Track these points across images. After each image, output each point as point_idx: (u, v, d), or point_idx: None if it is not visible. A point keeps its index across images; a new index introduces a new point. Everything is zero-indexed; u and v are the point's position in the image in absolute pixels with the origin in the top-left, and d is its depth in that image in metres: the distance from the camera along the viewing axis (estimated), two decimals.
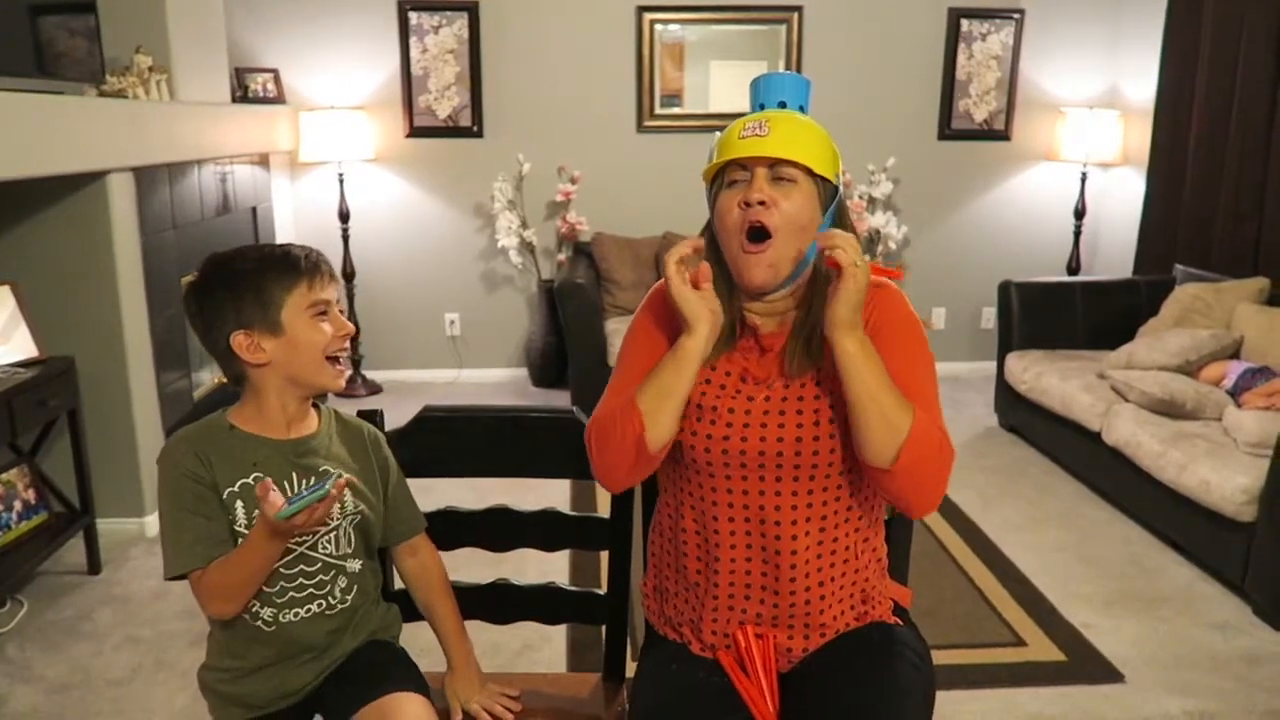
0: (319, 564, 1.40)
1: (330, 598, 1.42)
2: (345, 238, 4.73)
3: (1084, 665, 2.48)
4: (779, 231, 1.29)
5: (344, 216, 4.70)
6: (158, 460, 1.36)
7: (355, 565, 1.44)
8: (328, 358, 1.36)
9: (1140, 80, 4.74)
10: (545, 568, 2.58)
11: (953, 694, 2.34)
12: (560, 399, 4.66)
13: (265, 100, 4.55)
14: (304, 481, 1.38)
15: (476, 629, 1.63)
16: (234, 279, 1.33)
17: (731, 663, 1.37)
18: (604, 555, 1.62)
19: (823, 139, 1.33)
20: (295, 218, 4.87)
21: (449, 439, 1.59)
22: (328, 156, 4.59)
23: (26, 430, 2.77)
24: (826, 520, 1.35)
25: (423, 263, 4.97)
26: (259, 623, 1.38)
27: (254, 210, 4.35)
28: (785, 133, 1.30)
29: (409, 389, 4.90)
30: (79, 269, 3.01)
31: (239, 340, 1.32)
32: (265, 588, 1.36)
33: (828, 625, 1.37)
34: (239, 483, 1.34)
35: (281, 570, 1.36)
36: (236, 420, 1.39)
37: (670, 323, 1.36)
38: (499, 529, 1.61)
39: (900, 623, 1.44)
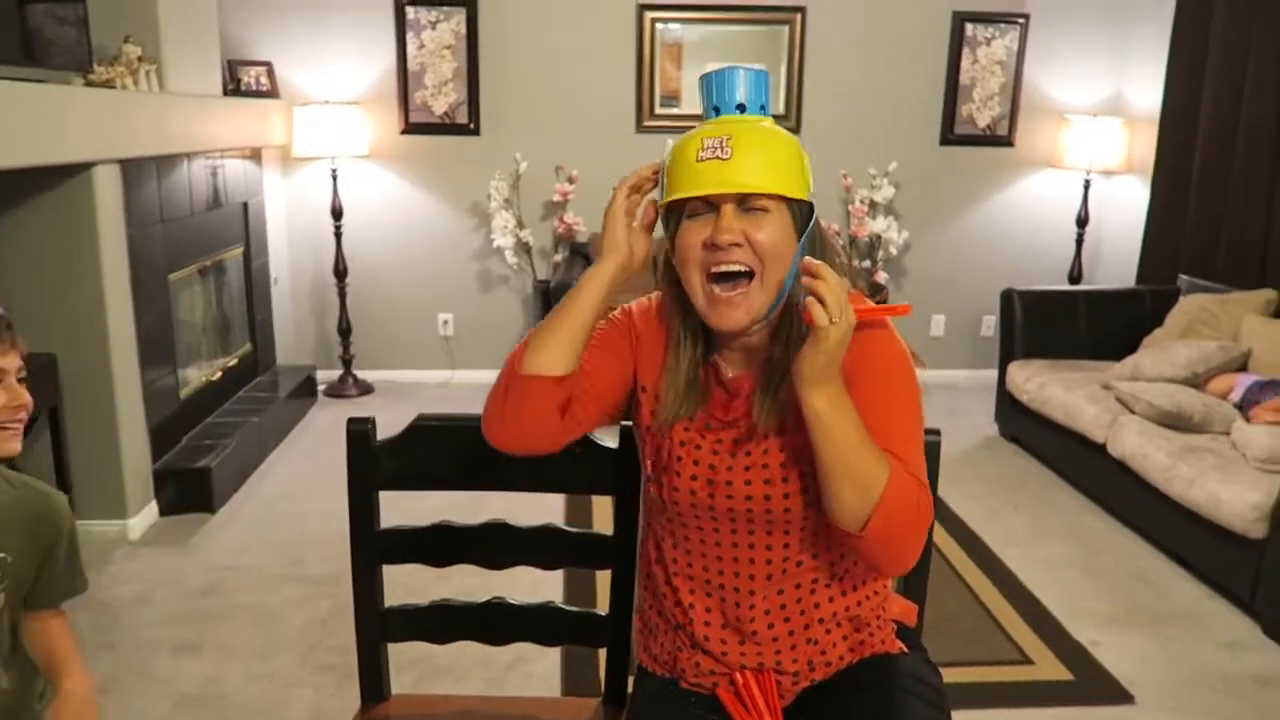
0: None
1: None
2: (338, 235, 4.64)
3: (1093, 685, 2.42)
4: (755, 270, 1.15)
5: (337, 213, 4.62)
6: None
7: (5, 682, 1.23)
8: None
9: (1145, 88, 4.69)
10: (540, 587, 2.49)
11: (959, 714, 2.26)
12: None
13: (258, 93, 4.46)
14: None
15: (467, 644, 1.55)
16: None
17: (731, 699, 1.29)
18: (599, 574, 1.54)
19: (793, 152, 1.17)
20: (287, 213, 4.78)
21: (440, 450, 1.51)
22: (321, 152, 4.50)
23: None
24: (803, 567, 1.26)
25: (416, 261, 4.89)
26: None
27: (245, 205, 4.27)
28: (751, 153, 1.13)
29: (400, 390, 4.82)
30: (62, 263, 2.93)
31: None
32: None
33: (815, 661, 1.29)
34: None
35: None
36: None
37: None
38: (496, 545, 1.53)
39: (905, 648, 1.36)
